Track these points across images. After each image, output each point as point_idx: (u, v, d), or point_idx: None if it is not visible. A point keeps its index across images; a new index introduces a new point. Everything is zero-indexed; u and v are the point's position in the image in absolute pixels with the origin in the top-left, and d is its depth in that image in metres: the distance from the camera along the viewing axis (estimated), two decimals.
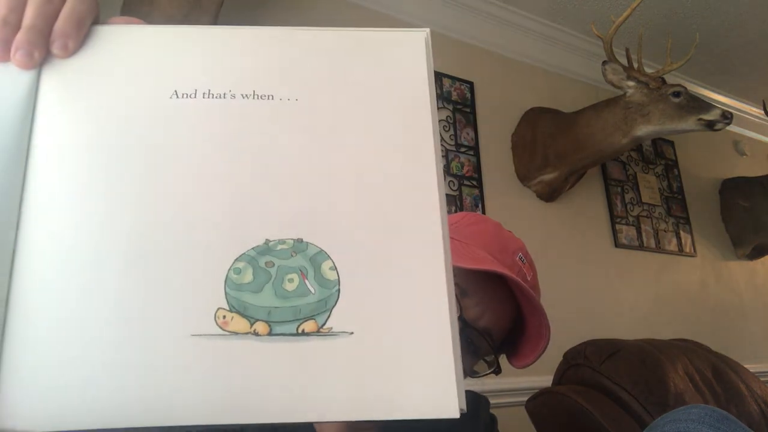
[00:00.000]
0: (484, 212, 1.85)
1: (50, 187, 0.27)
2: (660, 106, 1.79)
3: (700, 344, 1.65)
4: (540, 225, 2.01)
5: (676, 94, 1.79)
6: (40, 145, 0.28)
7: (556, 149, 1.96)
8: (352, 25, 0.35)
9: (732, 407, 1.39)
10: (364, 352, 0.25)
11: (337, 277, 0.26)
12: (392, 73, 0.31)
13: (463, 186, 1.84)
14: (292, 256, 0.26)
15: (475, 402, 0.79)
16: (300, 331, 0.25)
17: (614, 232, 2.22)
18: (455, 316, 0.26)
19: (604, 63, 1.83)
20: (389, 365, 0.25)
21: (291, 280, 0.26)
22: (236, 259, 0.26)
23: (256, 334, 0.25)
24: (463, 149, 1.89)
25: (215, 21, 1.33)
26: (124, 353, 0.24)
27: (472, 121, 1.96)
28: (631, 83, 1.82)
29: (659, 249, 2.34)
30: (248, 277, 0.26)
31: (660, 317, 2.22)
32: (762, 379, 1.68)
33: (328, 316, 0.25)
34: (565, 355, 1.50)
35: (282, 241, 0.27)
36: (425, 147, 0.30)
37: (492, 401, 1.66)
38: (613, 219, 2.24)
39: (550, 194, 2.04)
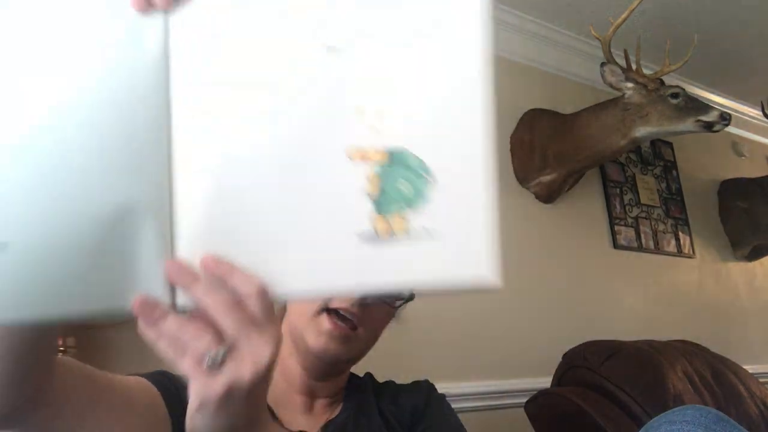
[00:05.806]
0: None
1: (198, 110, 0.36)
2: (658, 107, 1.80)
3: (699, 345, 1.66)
4: (539, 226, 2.01)
5: (675, 96, 1.79)
6: (179, 79, 0.36)
7: (554, 151, 1.96)
8: None
9: (731, 409, 1.39)
10: (443, 247, 0.34)
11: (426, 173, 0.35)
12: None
13: None
14: (391, 165, 0.35)
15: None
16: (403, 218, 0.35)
17: (613, 234, 2.22)
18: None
19: (603, 64, 1.83)
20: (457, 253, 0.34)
21: (400, 184, 0.35)
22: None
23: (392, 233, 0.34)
24: None
25: None
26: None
27: None
28: (629, 84, 1.82)
29: (658, 250, 2.34)
30: (375, 189, 0.35)
31: (659, 318, 2.22)
32: (761, 380, 1.68)
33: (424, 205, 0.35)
34: (565, 357, 1.50)
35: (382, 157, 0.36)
36: (474, 72, 0.35)
37: (491, 402, 1.66)
38: (612, 220, 2.24)
39: (548, 195, 2.04)
